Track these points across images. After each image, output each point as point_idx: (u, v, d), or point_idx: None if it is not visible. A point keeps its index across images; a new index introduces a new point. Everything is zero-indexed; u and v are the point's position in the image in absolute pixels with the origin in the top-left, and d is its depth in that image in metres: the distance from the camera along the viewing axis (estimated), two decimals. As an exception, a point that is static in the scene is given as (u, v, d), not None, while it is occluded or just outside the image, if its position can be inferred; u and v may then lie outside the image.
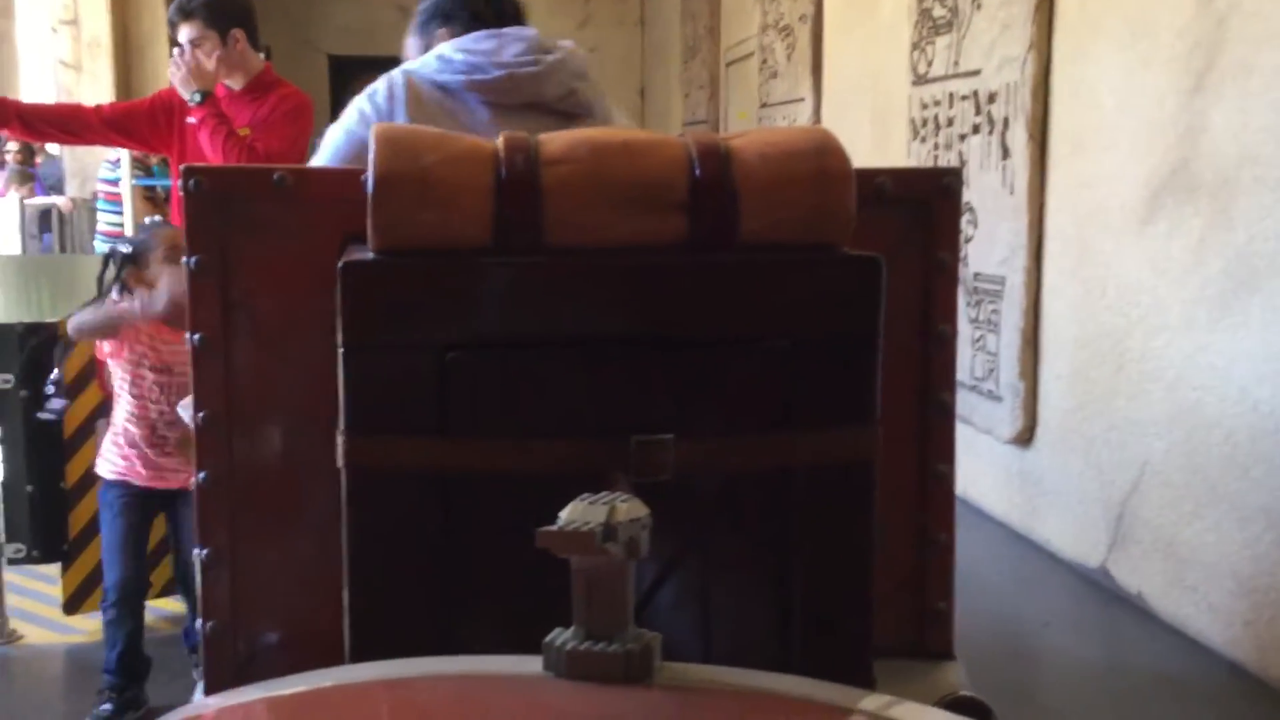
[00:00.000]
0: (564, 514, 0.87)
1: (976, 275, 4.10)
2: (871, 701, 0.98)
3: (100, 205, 6.23)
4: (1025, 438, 3.86)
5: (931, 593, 1.46)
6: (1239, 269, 2.83)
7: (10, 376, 3.15)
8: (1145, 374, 3.23)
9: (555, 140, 1.20)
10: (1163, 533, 3.14)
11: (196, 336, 1.33)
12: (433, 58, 2.05)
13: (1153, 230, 3.19)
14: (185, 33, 3.53)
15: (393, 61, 2.19)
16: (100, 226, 6.20)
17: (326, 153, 2.01)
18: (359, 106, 2.02)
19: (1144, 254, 3.23)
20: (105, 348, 2.76)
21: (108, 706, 2.74)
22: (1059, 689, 2.93)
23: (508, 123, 2.00)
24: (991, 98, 4.02)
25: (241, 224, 1.33)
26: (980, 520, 4.05)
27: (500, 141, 1.19)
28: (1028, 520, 3.87)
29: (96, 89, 8.23)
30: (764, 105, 6.90)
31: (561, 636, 0.88)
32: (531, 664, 0.89)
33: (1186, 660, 2.92)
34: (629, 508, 0.87)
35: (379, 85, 2.03)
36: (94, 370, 3.13)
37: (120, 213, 5.88)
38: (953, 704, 1.31)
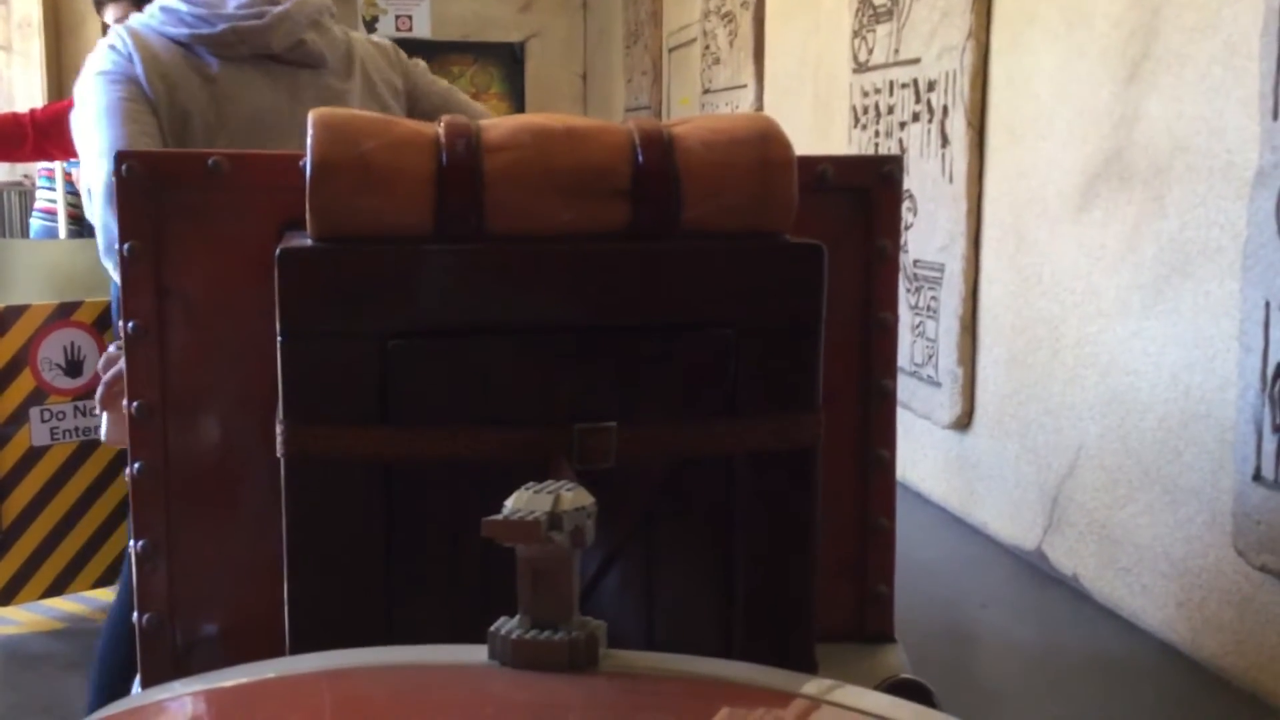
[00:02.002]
0: (509, 503, 0.87)
1: (916, 262, 4.14)
2: (814, 686, 0.98)
3: (41, 183, 6.11)
4: (963, 423, 3.91)
5: (872, 577, 1.48)
6: (1172, 256, 2.88)
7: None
8: (1080, 359, 3.28)
9: (497, 127, 1.19)
10: (1097, 515, 3.19)
11: (130, 324, 1.31)
12: (157, 9, 2.04)
13: (1087, 218, 3.24)
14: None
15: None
16: (39, 204, 6.08)
17: (101, 131, 1.93)
18: (100, 73, 1.97)
19: (1079, 241, 3.28)
20: None
21: None
22: (997, 670, 2.97)
23: (238, 73, 2.01)
24: (931, 86, 4.06)
25: (176, 209, 1.31)
26: (919, 504, 4.10)
27: (441, 127, 1.18)
28: (966, 504, 3.92)
29: (28, 70, 8.07)
30: (706, 91, 6.90)
31: (506, 625, 0.88)
32: (476, 653, 0.89)
33: (1121, 641, 2.98)
34: (574, 496, 0.87)
35: (105, 49, 2.01)
36: (26, 358, 3.08)
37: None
38: (894, 686, 1.32)
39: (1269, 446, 2.50)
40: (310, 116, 1.17)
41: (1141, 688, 2.80)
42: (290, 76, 2.06)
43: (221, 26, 1.99)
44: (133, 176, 1.30)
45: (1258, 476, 2.53)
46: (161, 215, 1.31)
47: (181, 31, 2.00)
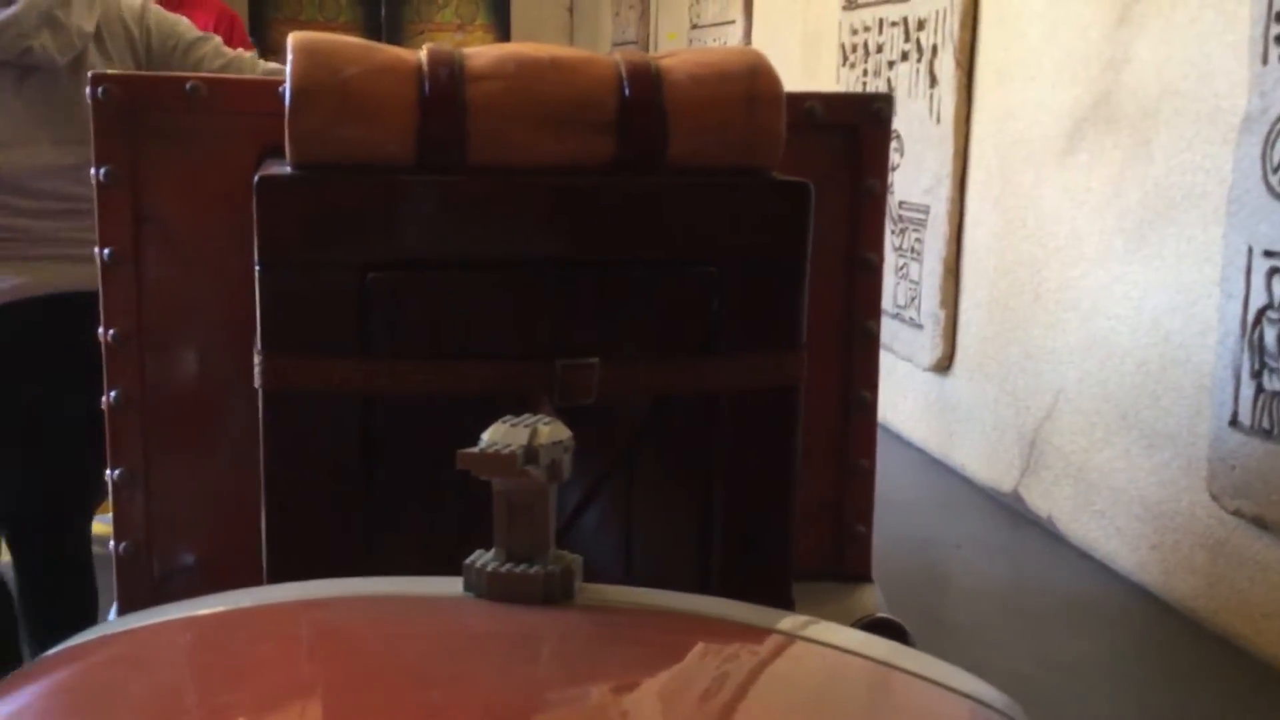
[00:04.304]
0: (485, 436, 0.86)
1: (901, 203, 4.13)
2: (789, 622, 0.99)
3: None
4: (944, 365, 3.91)
5: (851, 517, 1.48)
6: (1156, 201, 2.87)
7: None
8: (1062, 303, 3.28)
9: (481, 55, 1.17)
10: (1074, 459, 3.21)
11: (106, 251, 1.29)
12: None
13: (1073, 161, 3.22)
14: None
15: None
16: None
17: None
18: None
19: (1064, 185, 3.27)
20: None
21: None
22: (972, 610, 3.00)
23: None
24: (921, 25, 4.02)
25: (153, 134, 1.29)
26: (899, 445, 4.12)
27: (424, 55, 1.16)
28: (944, 446, 3.94)
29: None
30: (694, 26, 6.83)
31: (482, 558, 0.88)
32: (452, 585, 0.89)
33: (1095, 582, 3.01)
34: (551, 430, 0.86)
35: None
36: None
37: None
38: (870, 625, 1.33)
39: (1246, 392, 2.52)
40: (290, 41, 1.14)
41: (1113, 629, 2.83)
42: (17, 76, 1.98)
43: None
44: (109, 99, 1.27)
45: (1234, 422, 2.54)
46: (138, 140, 1.29)
47: None
